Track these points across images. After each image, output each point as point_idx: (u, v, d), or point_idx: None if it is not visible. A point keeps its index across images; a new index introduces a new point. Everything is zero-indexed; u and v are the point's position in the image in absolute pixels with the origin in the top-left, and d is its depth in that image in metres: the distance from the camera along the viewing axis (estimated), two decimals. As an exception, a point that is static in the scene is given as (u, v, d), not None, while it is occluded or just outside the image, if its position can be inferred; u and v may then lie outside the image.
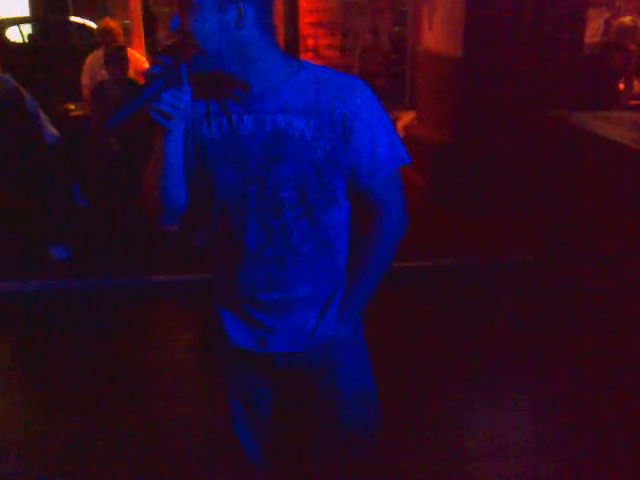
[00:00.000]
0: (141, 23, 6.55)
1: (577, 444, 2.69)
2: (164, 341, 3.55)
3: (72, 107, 5.41)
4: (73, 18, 8.65)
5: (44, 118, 4.55)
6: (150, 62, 1.30)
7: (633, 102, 5.64)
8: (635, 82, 5.87)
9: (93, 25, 6.94)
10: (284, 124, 1.42)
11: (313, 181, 1.43)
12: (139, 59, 5.43)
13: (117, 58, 4.64)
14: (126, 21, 7.10)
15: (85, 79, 5.24)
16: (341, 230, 1.56)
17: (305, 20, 6.85)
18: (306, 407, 1.71)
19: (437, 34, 5.86)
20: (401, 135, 5.86)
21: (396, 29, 7.13)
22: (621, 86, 5.74)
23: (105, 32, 5.27)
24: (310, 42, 6.91)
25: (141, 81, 5.39)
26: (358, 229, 1.57)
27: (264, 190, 1.44)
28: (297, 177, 1.42)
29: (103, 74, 4.79)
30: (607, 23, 6.44)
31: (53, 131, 4.60)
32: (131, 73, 4.99)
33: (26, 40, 8.51)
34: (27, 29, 8.78)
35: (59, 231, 4.32)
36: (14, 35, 8.44)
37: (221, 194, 1.48)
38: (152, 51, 6.77)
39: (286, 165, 1.42)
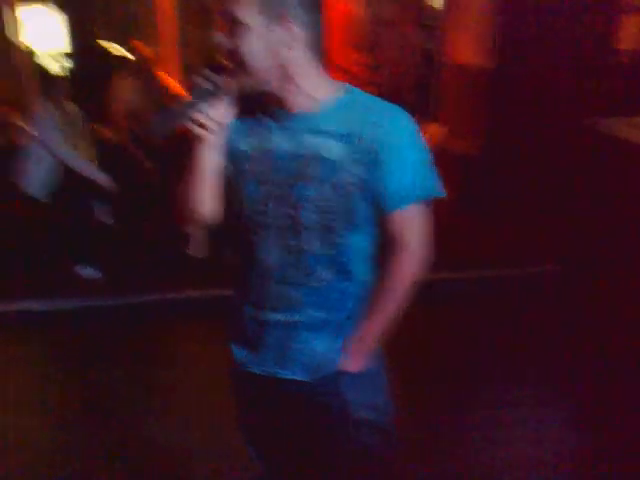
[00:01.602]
0: (176, 49, 6.64)
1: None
2: (195, 356, 3.57)
3: (107, 132, 5.51)
4: (108, 48, 8.83)
5: None
6: (199, 76, 1.35)
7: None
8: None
9: (119, 48, 7.03)
10: (316, 145, 1.41)
11: (335, 204, 1.42)
12: (173, 84, 5.52)
13: (152, 86, 4.74)
14: (157, 48, 7.21)
15: (116, 106, 5.33)
16: (361, 257, 1.53)
17: (334, 38, 6.88)
18: (316, 437, 1.68)
19: (466, 46, 5.84)
20: (429, 147, 5.81)
21: (425, 43, 7.13)
22: (655, 92, 5.61)
23: (140, 59, 5.35)
24: (339, 60, 6.95)
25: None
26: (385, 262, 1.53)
27: (285, 208, 1.44)
28: (320, 199, 1.42)
29: (136, 101, 4.88)
30: (640, 29, 6.31)
31: None
32: (166, 99, 5.10)
33: (64, 72, 8.73)
34: (66, 62, 9.01)
35: (87, 251, 4.39)
36: (52, 68, 8.67)
37: (244, 208, 1.49)
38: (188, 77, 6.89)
39: (311, 186, 1.42)
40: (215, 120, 1.38)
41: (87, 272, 4.35)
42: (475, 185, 5.01)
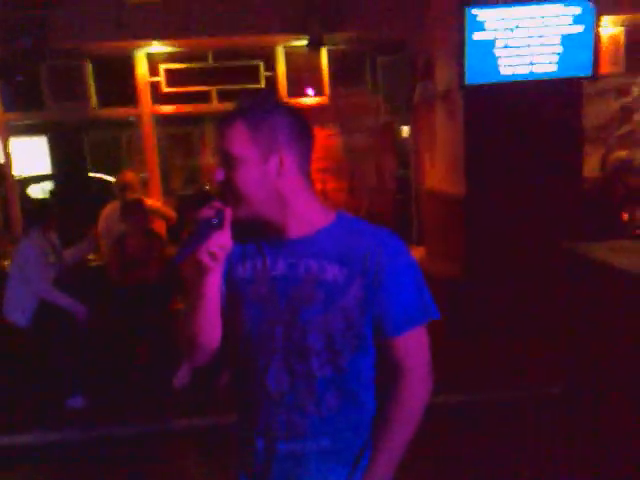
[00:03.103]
0: (158, 175, 6.86)
1: None
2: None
3: (91, 257, 5.53)
4: (91, 174, 9.09)
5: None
6: (204, 207, 1.42)
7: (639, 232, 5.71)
8: (638, 212, 5.96)
9: (110, 179, 7.29)
10: (316, 269, 1.44)
11: (341, 327, 1.42)
12: (157, 206, 5.66)
13: (135, 210, 4.82)
14: (142, 174, 7.44)
15: (101, 228, 5.37)
16: (367, 381, 1.52)
17: (313, 167, 7.17)
18: None
19: (439, 174, 6.10)
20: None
21: (400, 171, 7.46)
22: (625, 216, 5.84)
23: (122, 184, 5.49)
24: (319, 186, 7.22)
25: (158, 227, 5.57)
26: (384, 386, 1.52)
27: (291, 333, 1.44)
28: (325, 322, 1.42)
29: (120, 226, 4.94)
30: (603, 159, 6.67)
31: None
32: (150, 222, 5.17)
33: (47, 196, 8.88)
34: (49, 186, 9.18)
35: (75, 381, 4.27)
36: (35, 192, 8.81)
37: (248, 333, 1.48)
38: (170, 199, 7.08)
39: (315, 309, 1.42)
40: (220, 248, 1.41)
41: (74, 402, 4.21)
42: (458, 307, 5.05)
